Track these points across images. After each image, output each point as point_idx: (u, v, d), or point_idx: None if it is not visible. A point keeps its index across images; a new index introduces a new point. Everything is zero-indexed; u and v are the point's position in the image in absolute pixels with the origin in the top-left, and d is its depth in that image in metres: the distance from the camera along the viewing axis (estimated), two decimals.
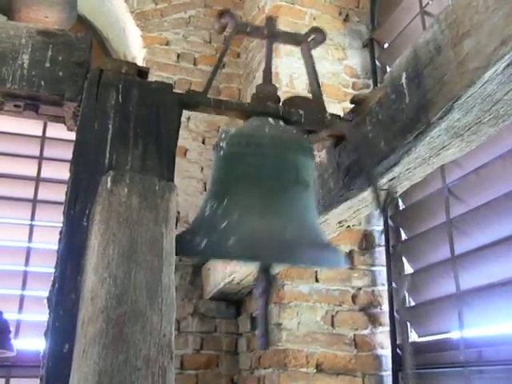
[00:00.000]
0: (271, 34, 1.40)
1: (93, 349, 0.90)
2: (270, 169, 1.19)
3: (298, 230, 1.17)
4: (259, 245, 1.10)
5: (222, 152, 1.24)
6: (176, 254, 1.04)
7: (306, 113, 1.34)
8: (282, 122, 1.30)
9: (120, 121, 1.15)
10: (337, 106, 2.91)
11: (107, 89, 1.19)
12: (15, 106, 1.26)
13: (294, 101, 1.42)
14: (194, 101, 1.28)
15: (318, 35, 1.41)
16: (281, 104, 1.37)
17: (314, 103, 1.39)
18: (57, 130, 3.42)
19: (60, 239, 1.08)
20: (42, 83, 1.22)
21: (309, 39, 1.41)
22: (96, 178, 1.07)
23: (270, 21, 1.42)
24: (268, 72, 1.37)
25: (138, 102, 1.18)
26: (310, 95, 1.43)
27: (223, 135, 1.26)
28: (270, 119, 1.28)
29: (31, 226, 3.42)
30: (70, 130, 1.34)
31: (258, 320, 1.21)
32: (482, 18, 0.99)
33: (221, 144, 1.24)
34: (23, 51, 1.23)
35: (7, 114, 1.29)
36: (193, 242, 1.11)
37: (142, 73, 1.26)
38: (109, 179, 1.05)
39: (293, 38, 1.44)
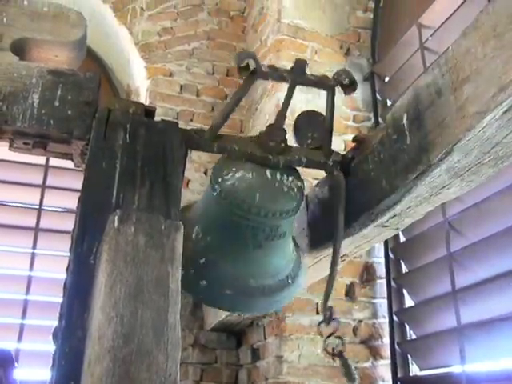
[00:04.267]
0: (297, 80, 1.35)
1: None
2: (251, 231, 1.35)
3: (260, 278, 1.41)
4: (222, 294, 1.36)
5: (215, 194, 1.33)
6: None
7: (309, 160, 1.41)
8: (278, 175, 1.36)
9: (127, 160, 1.18)
10: (337, 138, 2.94)
11: (115, 128, 1.21)
12: (24, 143, 1.28)
13: (304, 119, 1.52)
14: (199, 145, 1.35)
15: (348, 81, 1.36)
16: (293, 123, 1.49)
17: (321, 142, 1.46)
18: (60, 159, 3.44)
19: (66, 276, 1.10)
20: (51, 122, 1.25)
21: (339, 84, 1.37)
22: (103, 216, 1.09)
23: (298, 65, 1.34)
24: (282, 117, 1.40)
25: (145, 141, 1.21)
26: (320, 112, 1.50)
27: (220, 178, 1.33)
28: (268, 172, 1.34)
29: (33, 255, 3.43)
30: (77, 166, 1.36)
31: None
32: (481, 65, 1.02)
33: (215, 186, 1.33)
34: (34, 90, 1.26)
35: (16, 150, 1.32)
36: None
37: (149, 112, 1.29)
38: (116, 218, 1.07)
39: (321, 84, 1.39)
